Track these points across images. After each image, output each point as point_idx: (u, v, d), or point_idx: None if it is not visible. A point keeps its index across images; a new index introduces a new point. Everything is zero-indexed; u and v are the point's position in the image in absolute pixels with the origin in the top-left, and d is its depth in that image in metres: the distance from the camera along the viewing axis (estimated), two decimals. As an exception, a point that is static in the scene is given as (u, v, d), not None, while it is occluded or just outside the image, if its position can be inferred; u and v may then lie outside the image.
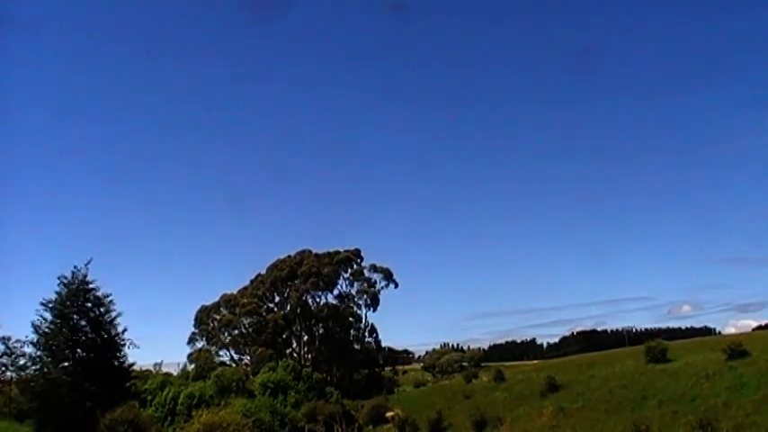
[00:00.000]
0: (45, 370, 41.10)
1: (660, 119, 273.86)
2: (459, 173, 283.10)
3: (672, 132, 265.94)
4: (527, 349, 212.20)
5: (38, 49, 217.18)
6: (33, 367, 41.40)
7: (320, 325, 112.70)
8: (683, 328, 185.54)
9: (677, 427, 38.98)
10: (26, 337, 41.03)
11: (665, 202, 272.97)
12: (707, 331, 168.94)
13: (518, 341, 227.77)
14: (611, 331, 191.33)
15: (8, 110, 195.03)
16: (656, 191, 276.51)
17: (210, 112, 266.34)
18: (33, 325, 41.87)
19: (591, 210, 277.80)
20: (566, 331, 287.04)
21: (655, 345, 61.16)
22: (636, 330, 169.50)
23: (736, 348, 50.60)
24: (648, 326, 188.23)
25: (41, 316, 42.16)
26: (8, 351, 39.30)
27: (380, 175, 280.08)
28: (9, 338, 39.39)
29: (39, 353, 41.64)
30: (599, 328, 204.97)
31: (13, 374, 41.17)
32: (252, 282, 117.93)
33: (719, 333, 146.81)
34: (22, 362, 40.65)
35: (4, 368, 39.56)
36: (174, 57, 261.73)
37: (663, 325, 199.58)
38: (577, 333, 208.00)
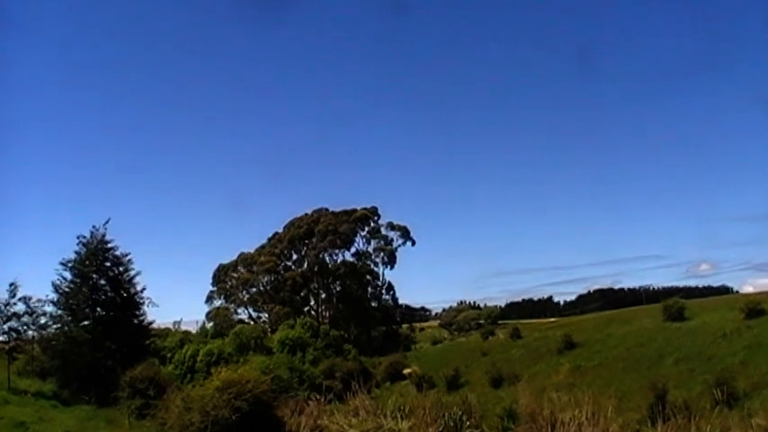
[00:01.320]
0: (66, 329, 41.40)
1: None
2: (475, 132, 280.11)
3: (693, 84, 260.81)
4: (544, 307, 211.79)
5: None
6: (54, 326, 41.68)
7: (337, 283, 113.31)
8: (701, 286, 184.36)
9: (694, 385, 39.00)
10: (47, 296, 41.28)
11: (683, 157, 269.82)
12: (724, 290, 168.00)
13: (535, 299, 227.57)
14: (629, 289, 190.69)
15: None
16: (675, 146, 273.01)
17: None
18: (53, 284, 42.15)
19: (608, 166, 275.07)
20: (583, 289, 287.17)
21: (672, 303, 61.07)
22: (653, 289, 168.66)
23: (754, 307, 50.44)
24: (666, 284, 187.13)
25: (61, 275, 42.42)
26: (29, 310, 39.50)
27: (397, 133, 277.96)
28: (30, 298, 39.57)
29: (59, 312, 41.92)
30: (616, 287, 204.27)
31: (35, 333, 41.43)
32: (269, 240, 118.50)
33: (737, 292, 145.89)
34: (42, 321, 40.88)
35: (25, 327, 39.80)
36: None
37: (680, 283, 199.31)
38: (594, 291, 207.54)
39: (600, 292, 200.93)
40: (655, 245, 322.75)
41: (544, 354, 62.05)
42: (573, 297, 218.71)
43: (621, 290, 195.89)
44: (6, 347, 39.70)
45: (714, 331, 49.20)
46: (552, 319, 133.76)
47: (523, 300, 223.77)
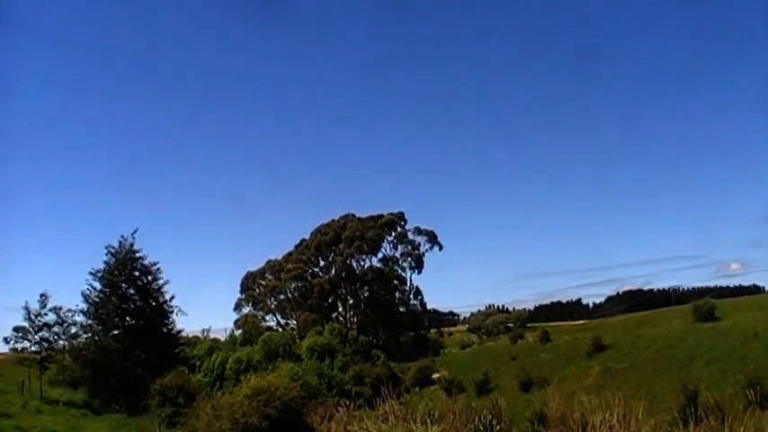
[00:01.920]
0: (96, 338, 41.89)
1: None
2: (498, 133, 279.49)
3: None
4: (572, 309, 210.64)
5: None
6: (85, 336, 42.21)
7: (365, 288, 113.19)
8: (731, 286, 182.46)
9: (726, 386, 38.62)
10: (77, 306, 41.77)
11: (712, 157, 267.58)
12: (756, 290, 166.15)
13: (563, 301, 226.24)
14: (658, 291, 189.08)
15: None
16: (703, 145, 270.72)
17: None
18: (83, 294, 42.72)
19: (638, 166, 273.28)
20: (611, 291, 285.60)
21: (702, 304, 60.64)
22: (683, 289, 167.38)
23: (786, 306, 49.95)
24: (696, 285, 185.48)
25: (91, 285, 42.98)
26: (60, 320, 40.04)
27: (423, 138, 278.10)
28: (61, 308, 40.13)
29: (89, 321, 42.45)
30: (645, 288, 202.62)
31: (66, 343, 41.95)
32: (296, 247, 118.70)
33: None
34: (73, 330, 41.46)
35: (56, 337, 40.31)
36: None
37: (711, 283, 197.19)
38: (623, 293, 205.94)
39: (629, 293, 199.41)
40: (685, 245, 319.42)
41: (573, 357, 61.74)
42: (602, 299, 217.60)
43: (651, 291, 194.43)
44: (38, 357, 40.13)
45: (745, 331, 48.69)
46: (581, 322, 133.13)
47: (552, 302, 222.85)
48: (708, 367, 44.18)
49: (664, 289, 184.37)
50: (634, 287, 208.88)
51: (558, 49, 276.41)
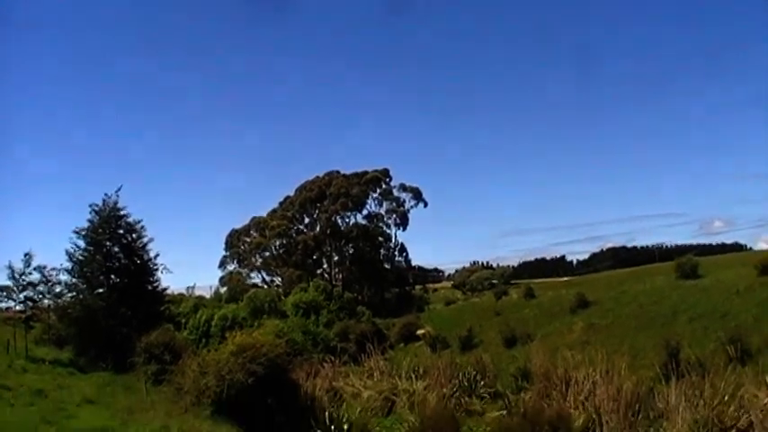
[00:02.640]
0: (81, 296, 41.68)
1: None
2: (485, 95, 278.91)
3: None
4: (557, 266, 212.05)
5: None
6: (69, 294, 41.96)
7: (350, 245, 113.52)
8: (714, 244, 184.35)
9: (708, 342, 39.01)
10: (61, 265, 41.52)
11: (696, 116, 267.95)
12: (738, 247, 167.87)
13: (547, 258, 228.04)
14: (642, 248, 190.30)
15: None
16: (687, 103, 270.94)
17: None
18: (67, 253, 42.37)
19: (621, 123, 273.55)
20: (596, 248, 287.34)
21: (685, 261, 61.00)
22: (666, 247, 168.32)
23: (768, 264, 50.28)
24: (679, 242, 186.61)
25: (75, 244, 42.63)
26: (44, 279, 39.71)
27: (408, 95, 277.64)
28: (45, 267, 39.76)
29: (74, 280, 42.17)
30: (629, 245, 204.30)
31: (51, 302, 41.76)
32: (281, 204, 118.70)
33: (751, 249, 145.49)
34: (58, 289, 41.13)
35: (41, 296, 40.09)
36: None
37: (694, 241, 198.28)
38: (607, 249, 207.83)
39: (613, 250, 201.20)
40: (668, 203, 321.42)
41: (557, 313, 62.20)
42: (586, 256, 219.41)
43: (634, 248, 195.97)
44: (23, 316, 40.03)
45: (728, 288, 49.12)
46: (565, 278, 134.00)
47: (536, 259, 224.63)
48: (690, 324, 44.59)
49: (647, 246, 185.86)
50: (618, 244, 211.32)
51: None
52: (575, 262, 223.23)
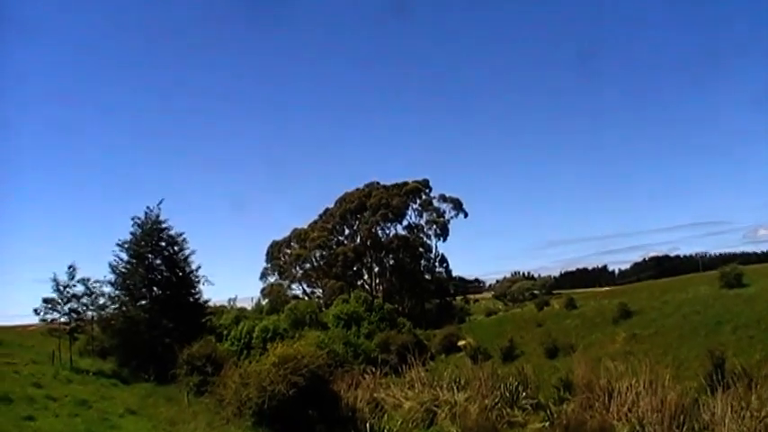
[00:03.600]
0: (124, 308, 42.22)
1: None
2: (521, 105, 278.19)
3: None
4: (598, 276, 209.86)
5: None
6: (112, 306, 42.54)
7: (390, 256, 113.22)
8: (759, 252, 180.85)
9: (753, 352, 38.36)
10: (104, 277, 42.09)
11: (738, 119, 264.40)
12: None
13: (589, 268, 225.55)
14: (685, 257, 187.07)
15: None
16: (730, 111, 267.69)
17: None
18: (111, 265, 43.00)
19: (664, 133, 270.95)
20: (638, 257, 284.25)
21: (729, 270, 60.13)
22: (710, 255, 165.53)
23: (814, 272, 49.43)
24: (723, 251, 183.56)
25: (118, 256, 43.27)
26: (88, 291, 40.30)
27: (448, 105, 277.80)
28: (88, 279, 40.37)
29: (117, 292, 42.76)
30: (672, 254, 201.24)
31: (94, 314, 42.30)
32: (321, 215, 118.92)
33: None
34: (101, 301, 41.71)
35: (85, 308, 40.62)
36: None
37: (738, 249, 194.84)
38: (649, 259, 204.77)
39: (655, 259, 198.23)
40: (712, 211, 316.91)
41: (599, 323, 61.57)
42: (627, 266, 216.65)
43: (677, 257, 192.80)
44: (68, 328, 40.51)
45: (774, 297, 48.40)
46: (607, 288, 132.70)
47: (577, 269, 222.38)
48: (735, 333, 43.92)
49: (690, 255, 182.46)
50: (660, 253, 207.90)
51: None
52: (617, 272, 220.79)
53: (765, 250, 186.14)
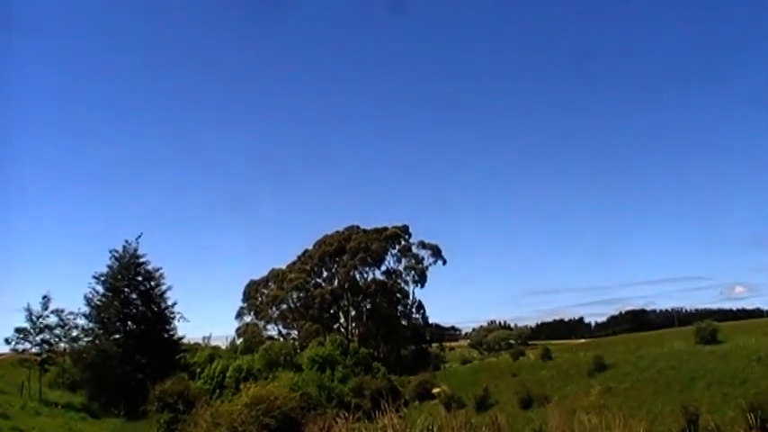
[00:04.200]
0: (97, 342, 41.98)
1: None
2: (503, 155, 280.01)
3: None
4: (574, 328, 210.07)
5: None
6: (86, 339, 42.31)
7: (368, 300, 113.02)
8: (735, 309, 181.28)
9: (727, 409, 38.51)
10: (79, 309, 41.84)
11: (722, 176, 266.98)
12: (759, 313, 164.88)
13: (566, 320, 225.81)
14: (661, 311, 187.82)
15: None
16: (711, 170, 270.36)
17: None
18: (86, 297, 42.86)
19: (642, 187, 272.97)
20: (614, 311, 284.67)
21: (705, 326, 60.50)
22: (686, 311, 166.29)
23: (790, 331, 49.75)
24: (700, 306, 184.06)
25: (94, 289, 43.14)
26: (61, 323, 40.10)
27: (429, 153, 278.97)
28: (62, 311, 40.18)
29: (91, 325, 42.57)
30: (648, 308, 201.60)
31: (67, 346, 42.02)
32: (300, 257, 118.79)
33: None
34: (74, 333, 41.49)
35: (57, 339, 40.34)
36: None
37: (715, 306, 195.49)
38: (626, 312, 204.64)
39: (631, 313, 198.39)
40: (689, 267, 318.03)
41: (574, 375, 61.60)
42: (604, 318, 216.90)
43: (653, 311, 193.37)
44: (39, 359, 40.15)
45: (748, 354, 48.63)
46: (582, 340, 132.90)
47: (554, 320, 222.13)
48: (709, 390, 44.06)
49: (667, 310, 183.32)
50: (637, 307, 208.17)
51: (558, 49, 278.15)
52: (593, 324, 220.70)
53: (741, 307, 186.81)
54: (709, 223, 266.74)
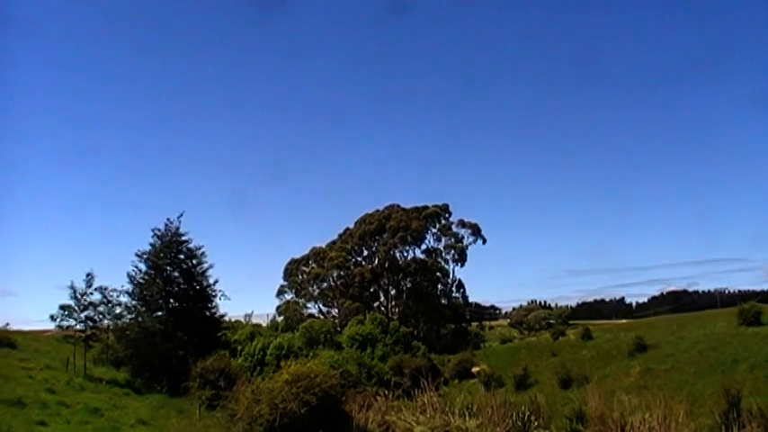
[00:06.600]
0: (140, 319, 42.18)
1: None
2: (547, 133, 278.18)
3: None
4: (615, 308, 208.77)
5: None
6: (129, 316, 42.54)
7: (407, 279, 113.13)
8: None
9: (770, 392, 38.09)
10: (122, 286, 42.17)
11: (761, 163, 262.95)
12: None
13: (606, 300, 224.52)
14: (703, 292, 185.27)
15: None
16: (753, 148, 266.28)
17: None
18: (129, 275, 43.04)
19: (691, 168, 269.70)
20: (656, 291, 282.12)
21: (748, 307, 59.76)
22: (729, 292, 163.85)
23: (835, 312, 49.01)
24: (743, 288, 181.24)
25: (136, 267, 43.30)
26: (105, 300, 40.40)
27: (472, 130, 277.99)
28: (106, 288, 40.45)
29: (134, 302, 42.76)
30: (690, 289, 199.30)
31: (110, 323, 42.41)
32: (340, 236, 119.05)
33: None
34: (117, 311, 41.78)
35: (101, 316, 40.72)
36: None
37: (758, 287, 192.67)
38: (667, 293, 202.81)
39: (673, 294, 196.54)
40: (733, 248, 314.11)
41: (615, 355, 61.26)
42: (645, 299, 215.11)
43: (695, 292, 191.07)
44: (83, 336, 40.62)
45: (792, 337, 48.01)
46: (623, 321, 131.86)
47: (595, 300, 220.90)
48: (752, 372, 43.57)
49: (709, 291, 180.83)
50: (679, 288, 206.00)
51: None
52: (634, 304, 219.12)
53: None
54: (754, 204, 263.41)
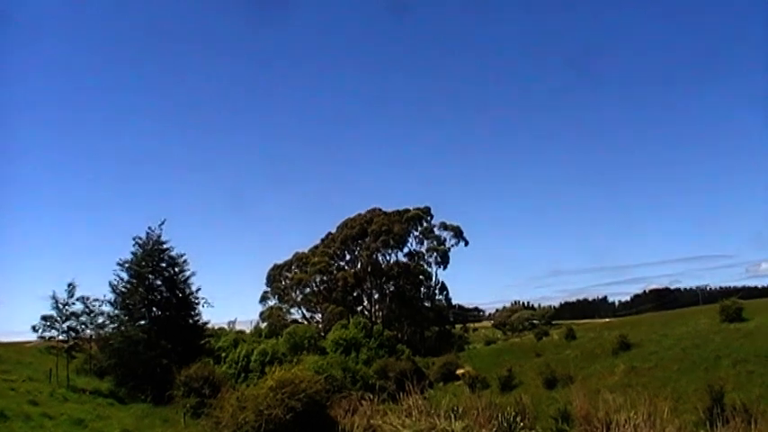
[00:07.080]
0: (122, 328, 42.06)
1: None
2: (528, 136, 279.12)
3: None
4: (598, 307, 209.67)
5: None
6: (111, 325, 42.41)
7: (391, 283, 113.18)
8: (761, 287, 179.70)
9: (753, 387, 38.33)
10: (104, 296, 42.00)
11: (745, 154, 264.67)
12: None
13: (589, 299, 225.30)
14: (685, 290, 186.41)
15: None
16: (738, 146, 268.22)
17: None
18: (111, 284, 42.92)
19: (668, 166, 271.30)
20: (638, 290, 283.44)
21: (730, 304, 60.18)
22: (711, 289, 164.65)
23: (816, 307, 49.42)
24: (724, 284, 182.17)
25: (118, 276, 43.18)
26: (87, 310, 40.22)
27: (452, 134, 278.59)
28: (88, 298, 40.28)
29: (116, 311, 42.64)
30: (672, 287, 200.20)
31: (93, 333, 42.25)
32: (323, 240, 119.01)
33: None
34: (100, 320, 41.62)
35: (83, 326, 40.54)
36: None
37: (739, 284, 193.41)
38: (650, 291, 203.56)
39: (655, 292, 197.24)
40: (714, 245, 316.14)
41: (599, 354, 61.53)
42: (628, 297, 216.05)
43: (678, 290, 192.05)
44: (65, 346, 40.41)
45: (774, 332, 48.35)
46: (607, 320, 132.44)
47: (578, 300, 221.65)
48: (734, 368, 43.86)
49: (691, 288, 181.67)
50: (661, 286, 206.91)
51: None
52: (617, 303, 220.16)
53: (767, 285, 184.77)
54: (735, 200, 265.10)
